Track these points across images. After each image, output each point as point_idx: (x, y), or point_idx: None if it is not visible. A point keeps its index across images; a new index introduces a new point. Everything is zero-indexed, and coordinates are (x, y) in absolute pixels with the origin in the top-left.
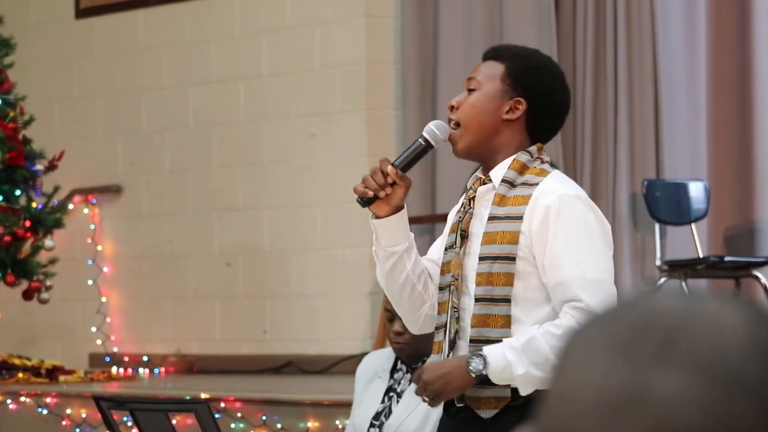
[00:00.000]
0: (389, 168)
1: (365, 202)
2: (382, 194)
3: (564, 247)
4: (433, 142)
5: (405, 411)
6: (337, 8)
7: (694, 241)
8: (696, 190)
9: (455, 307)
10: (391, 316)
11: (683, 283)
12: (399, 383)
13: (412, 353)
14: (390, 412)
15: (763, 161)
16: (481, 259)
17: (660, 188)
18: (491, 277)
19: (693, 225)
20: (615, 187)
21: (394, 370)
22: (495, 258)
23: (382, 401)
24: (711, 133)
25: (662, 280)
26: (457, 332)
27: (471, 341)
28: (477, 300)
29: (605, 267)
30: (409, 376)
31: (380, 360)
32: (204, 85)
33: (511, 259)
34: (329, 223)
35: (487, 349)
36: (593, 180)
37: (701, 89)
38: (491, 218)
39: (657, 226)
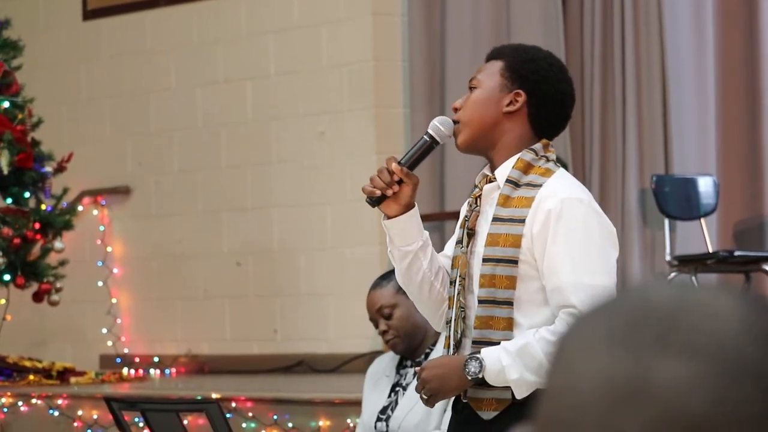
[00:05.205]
0: (394, 165)
1: (374, 201)
2: (389, 192)
3: (561, 252)
4: (438, 138)
5: (410, 402)
6: (345, 7)
7: (704, 236)
8: (705, 185)
9: (462, 307)
10: (370, 318)
11: (693, 278)
12: (405, 377)
13: (406, 347)
14: (396, 404)
15: None
16: (485, 260)
17: (669, 183)
18: (494, 279)
19: (702, 220)
20: (624, 183)
21: (400, 366)
22: (498, 260)
23: (389, 396)
24: (720, 128)
25: (672, 275)
26: (463, 330)
27: (474, 342)
28: (480, 302)
29: (603, 272)
30: (413, 370)
31: (387, 360)
32: (212, 86)
33: (514, 262)
34: (338, 221)
35: (485, 352)
36: (602, 176)
37: (709, 84)
38: (495, 219)
39: (666, 222)
